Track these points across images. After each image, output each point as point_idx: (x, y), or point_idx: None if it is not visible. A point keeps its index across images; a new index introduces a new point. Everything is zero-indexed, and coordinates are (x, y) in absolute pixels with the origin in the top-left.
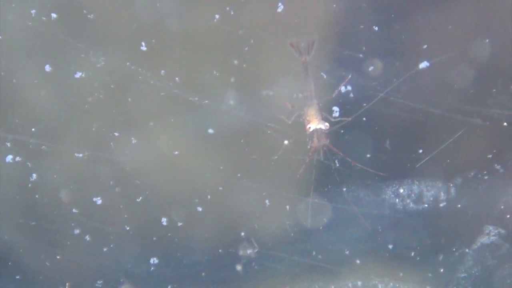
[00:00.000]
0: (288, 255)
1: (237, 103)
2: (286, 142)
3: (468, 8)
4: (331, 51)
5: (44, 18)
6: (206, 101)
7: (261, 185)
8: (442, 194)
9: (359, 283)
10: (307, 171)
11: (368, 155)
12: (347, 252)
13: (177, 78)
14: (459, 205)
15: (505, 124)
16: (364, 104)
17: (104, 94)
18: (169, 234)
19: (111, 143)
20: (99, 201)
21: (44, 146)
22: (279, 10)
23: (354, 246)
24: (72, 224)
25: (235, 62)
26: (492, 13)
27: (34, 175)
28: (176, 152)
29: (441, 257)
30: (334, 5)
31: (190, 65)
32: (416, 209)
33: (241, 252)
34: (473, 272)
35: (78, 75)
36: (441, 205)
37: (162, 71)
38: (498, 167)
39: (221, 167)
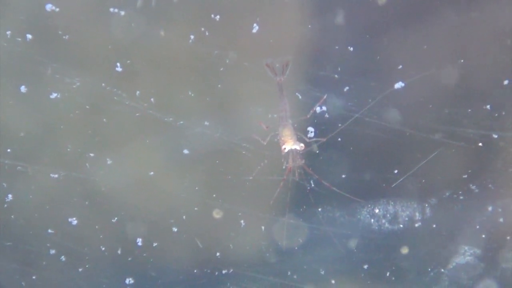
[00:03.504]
0: (263, 275)
1: (212, 124)
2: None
3: (443, 28)
4: (306, 72)
5: (19, 39)
6: (181, 122)
7: (236, 205)
8: (417, 214)
9: None
10: (282, 192)
11: (343, 176)
12: (322, 272)
13: (152, 99)
14: (434, 225)
15: (480, 144)
16: (340, 125)
17: (79, 115)
18: (144, 255)
19: (87, 164)
20: (75, 222)
21: (19, 166)
22: (254, 31)
23: (330, 266)
24: (48, 245)
25: (210, 82)
26: (466, 34)
27: (10, 196)
28: (152, 173)
29: (416, 277)
30: (309, 26)
31: (165, 85)
32: (391, 229)
33: (216, 273)
34: None
35: (54, 95)
36: (416, 225)
37: (137, 92)
38: (473, 187)
39: (196, 188)
